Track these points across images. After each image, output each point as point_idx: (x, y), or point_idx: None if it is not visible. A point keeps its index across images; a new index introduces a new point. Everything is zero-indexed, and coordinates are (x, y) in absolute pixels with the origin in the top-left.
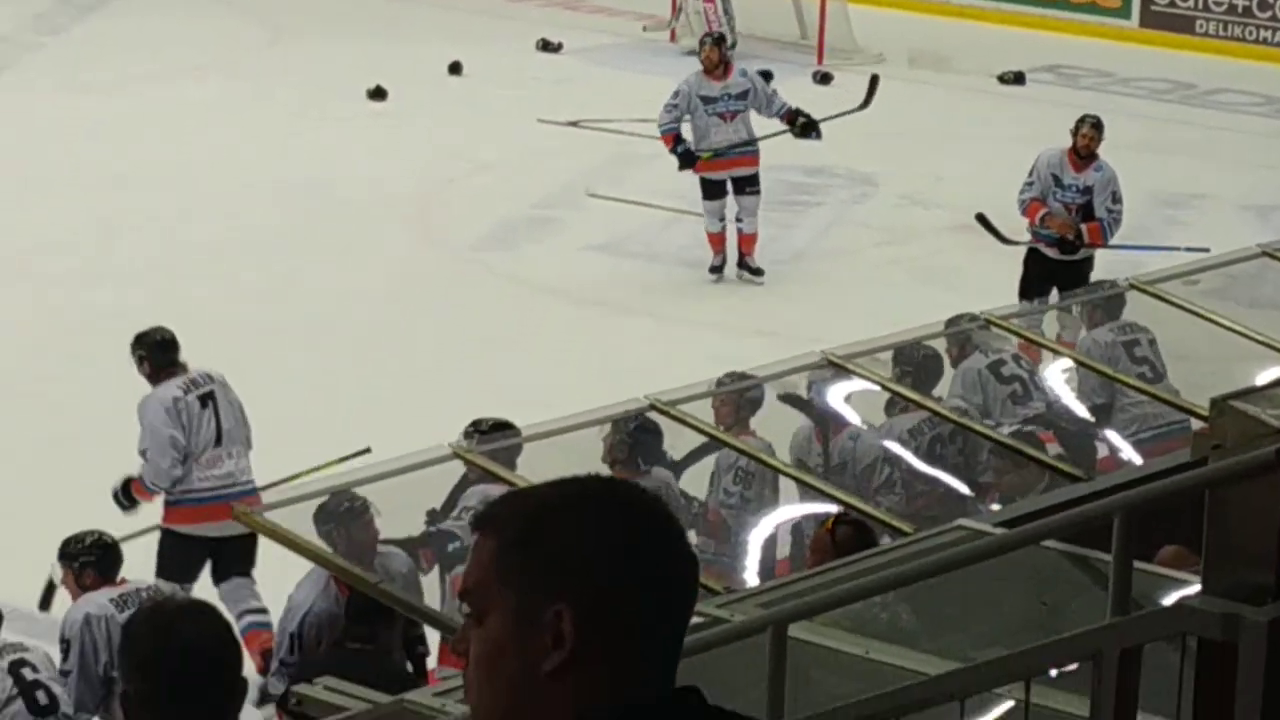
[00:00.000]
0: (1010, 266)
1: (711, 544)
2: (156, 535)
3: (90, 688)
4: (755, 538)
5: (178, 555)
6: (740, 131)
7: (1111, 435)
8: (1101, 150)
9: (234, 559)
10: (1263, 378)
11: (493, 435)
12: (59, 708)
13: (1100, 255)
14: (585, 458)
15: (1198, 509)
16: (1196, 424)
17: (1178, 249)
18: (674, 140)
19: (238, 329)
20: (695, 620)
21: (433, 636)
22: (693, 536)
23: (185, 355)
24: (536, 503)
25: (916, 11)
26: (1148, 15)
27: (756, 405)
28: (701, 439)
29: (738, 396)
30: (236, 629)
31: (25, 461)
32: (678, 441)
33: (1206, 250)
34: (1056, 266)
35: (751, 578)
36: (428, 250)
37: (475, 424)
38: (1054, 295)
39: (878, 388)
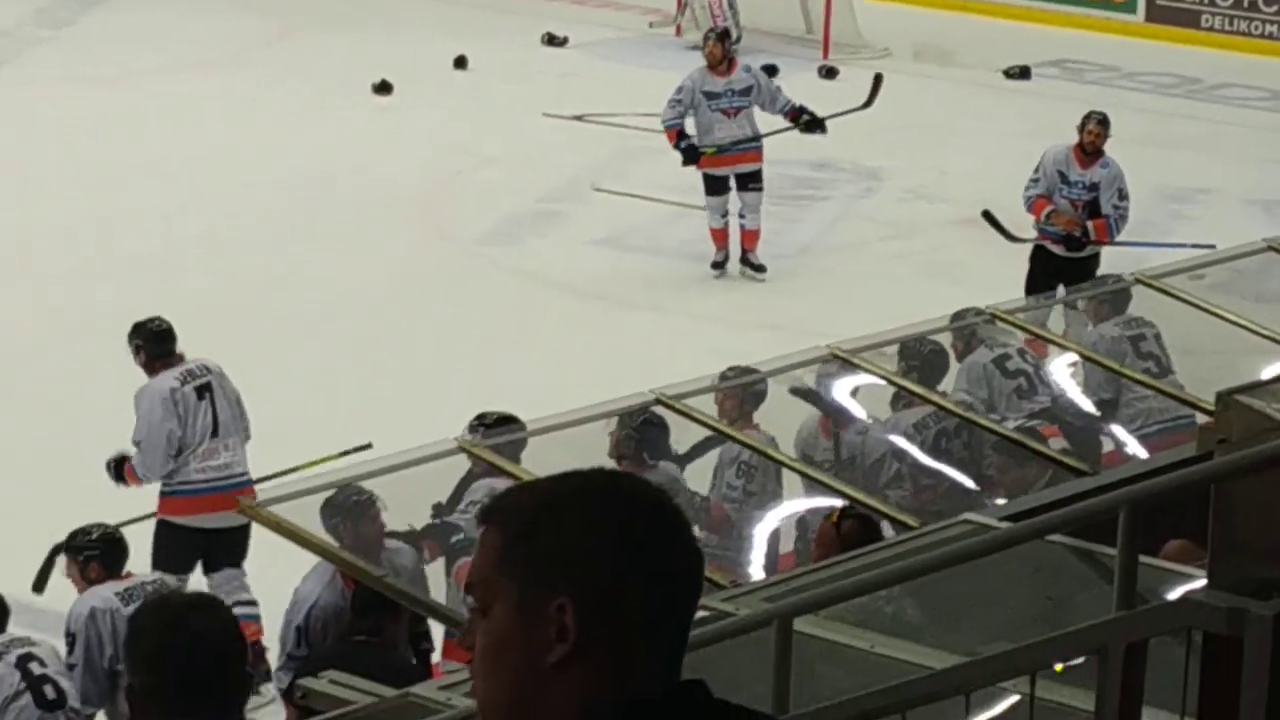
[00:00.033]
0: (1015, 260)
1: (714, 538)
2: (152, 526)
3: (95, 681)
4: (758, 532)
5: (173, 546)
6: (744, 128)
7: (1117, 430)
8: (1107, 145)
9: (226, 550)
10: (1268, 372)
11: (498, 429)
12: (67, 702)
13: (1106, 252)
14: (590, 452)
15: (1203, 503)
16: (1202, 418)
17: (1184, 246)
18: (677, 136)
19: (241, 323)
20: (700, 614)
21: (436, 632)
22: (696, 531)
23: (194, 350)
24: (541, 496)
25: (922, 6)
26: (1153, 10)
27: (760, 399)
28: (704, 433)
29: (741, 390)
30: None
31: (25, 460)
32: (681, 436)
33: (1212, 247)
34: (1063, 264)
35: (755, 572)
36: (432, 244)
37: (480, 418)
38: (1060, 293)
39: (883, 382)
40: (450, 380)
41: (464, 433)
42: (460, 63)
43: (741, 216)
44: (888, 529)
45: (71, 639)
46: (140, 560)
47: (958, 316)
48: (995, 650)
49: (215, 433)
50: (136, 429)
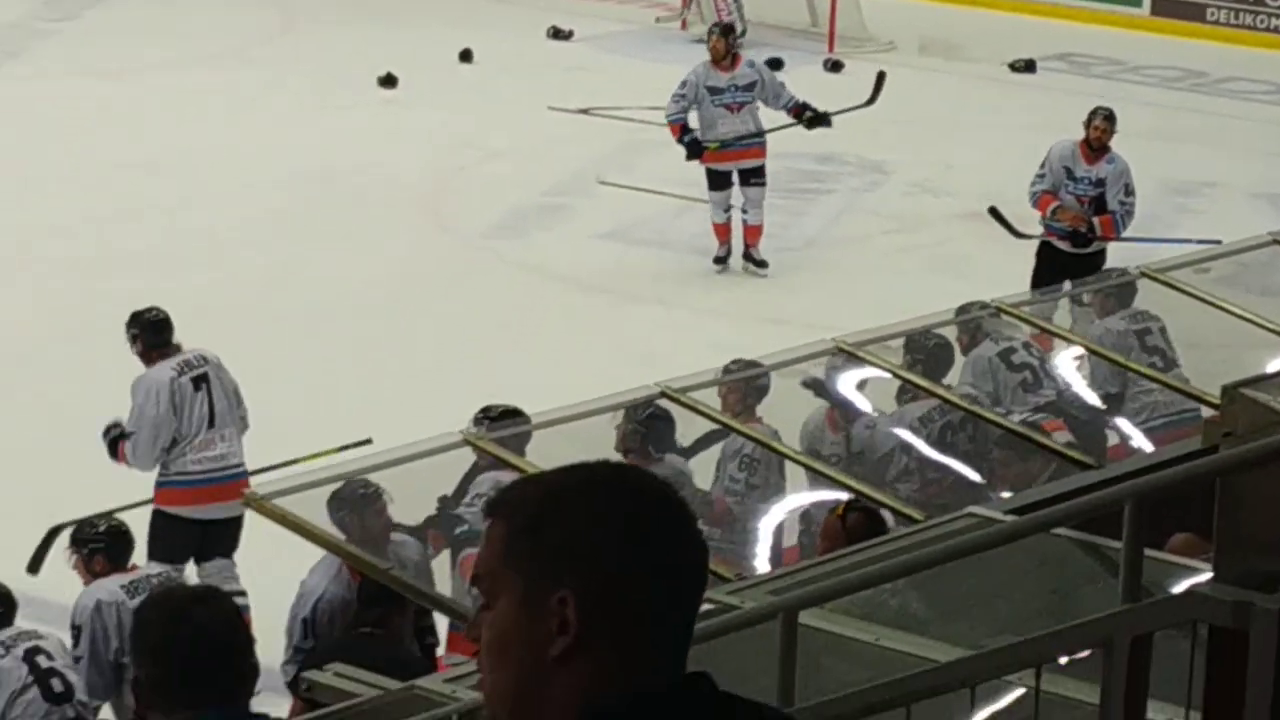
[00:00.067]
0: (1021, 255)
1: (718, 532)
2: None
3: (101, 674)
4: (763, 525)
5: (167, 536)
6: (747, 123)
7: (1122, 423)
8: (1113, 140)
9: (219, 541)
10: (1274, 365)
11: (503, 422)
12: (74, 695)
13: (1112, 247)
14: (596, 445)
15: (1209, 496)
16: (1207, 412)
17: (1189, 241)
18: (680, 130)
19: (243, 319)
20: (706, 607)
21: (441, 625)
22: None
23: (202, 343)
24: (546, 489)
25: None
26: (1159, 3)
27: (763, 393)
28: (708, 427)
29: (744, 384)
30: None
31: (25, 459)
32: (686, 430)
33: (1218, 242)
34: (1069, 259)
35: (760, 564)
36: (438, 238)
37: (485, 410)
38: (1066, 286)
39: (889, 375)
40: (455, 373)
41: (469, 426)
42: (465, 56)
43: (744, 212)
44: (892, 522)
45: (77, 632)
46: (138, 553)
47: (963, 310)
48: (1000, 643)
49: (211, 423)
50: (130, 418)
